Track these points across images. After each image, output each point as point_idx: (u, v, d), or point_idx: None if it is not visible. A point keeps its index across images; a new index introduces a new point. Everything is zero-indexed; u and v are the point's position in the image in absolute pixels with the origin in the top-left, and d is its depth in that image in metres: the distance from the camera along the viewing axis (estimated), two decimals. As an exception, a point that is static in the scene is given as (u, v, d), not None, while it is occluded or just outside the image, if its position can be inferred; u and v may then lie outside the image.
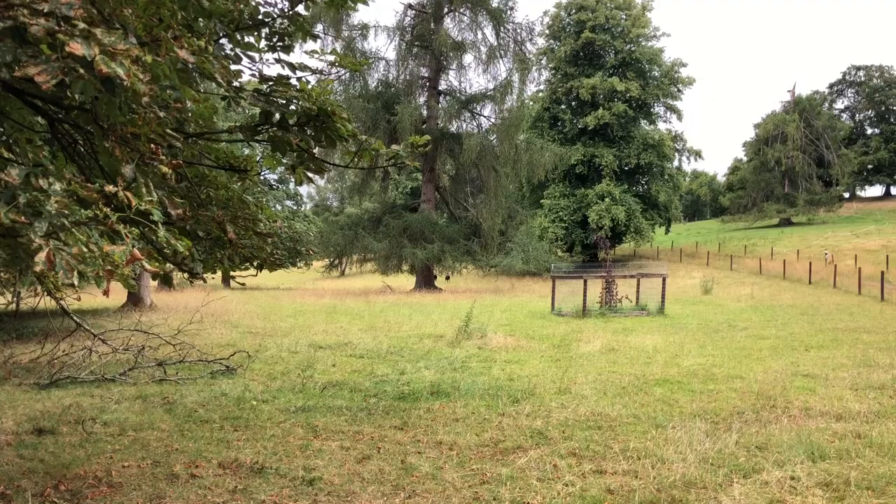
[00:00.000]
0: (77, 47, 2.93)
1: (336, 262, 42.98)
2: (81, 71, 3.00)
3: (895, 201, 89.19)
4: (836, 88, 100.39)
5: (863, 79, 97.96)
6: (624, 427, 7.52)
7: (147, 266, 3.52)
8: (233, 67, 4.77)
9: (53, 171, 3.66)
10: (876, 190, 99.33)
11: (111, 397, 9.05)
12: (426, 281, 38.08)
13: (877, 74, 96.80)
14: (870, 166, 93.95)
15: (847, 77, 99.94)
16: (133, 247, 3.45)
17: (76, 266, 3.11)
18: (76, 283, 3.14)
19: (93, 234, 3.35)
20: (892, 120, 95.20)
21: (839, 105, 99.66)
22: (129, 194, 3.59)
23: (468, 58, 38.38)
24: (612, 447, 6.72)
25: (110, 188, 3.58)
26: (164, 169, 4.28)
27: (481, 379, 10.27)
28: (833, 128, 79.24)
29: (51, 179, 3.41)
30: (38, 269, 2.94)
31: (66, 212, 3.27)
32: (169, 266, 3.62)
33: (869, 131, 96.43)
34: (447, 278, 42.65)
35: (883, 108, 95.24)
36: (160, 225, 3.75)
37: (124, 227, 3.51)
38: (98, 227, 3.46)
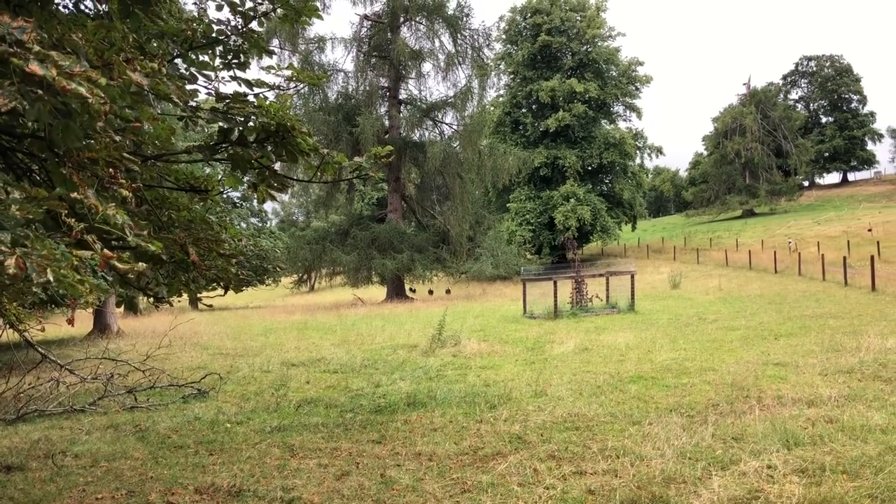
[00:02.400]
0: (36, 68, 2.87)
1: (305, 277, 42.70)
2: (40, 92, 2.94)
3: (852, 187, 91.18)
4: (789, 79, 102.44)
5: (815, 69, 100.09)
6: (601, 426, 7.54)
7: (119, 265, 3.43)
8: (188, 87, 4.71)
9: (11, 181, 3.57)
10: (833, 177, 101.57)
11: (81, 428, 8.85)
12: (397, 291, 37.99)
13: (828, 64, 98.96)
14: (826, 154, 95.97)
15: (800, 67, 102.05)
16: (101, 249, 3.38)
17: (48, 266, 3.04)
18: (51, 279, 3.05)
19: (59, 246, 3.28)
20: (844, 108, 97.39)
21: (794, 95, 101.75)
22: (94, 201, 3.51)
23: (427, 66, 38.52)
24: (590, 447, 6.73)
25: (74, 195, 3.50)
26: (125, 192, 4.20)
27: (457, 387, 10.24)
28: (789, 118, 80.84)
29: (9, 188, 3.33)
30: (10, 272, 2.87)
31: (31, 216, 3.20)
32: (140, 265, 3.52)
33: (823, 120, 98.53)
34: (430, 292, 42.67)
35: (836, 97, 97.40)
36: (128, 230, 3.66)
37: (90, 236, 3.44)
38: (64, 238, 3.39)
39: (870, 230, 47.90)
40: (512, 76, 59.32)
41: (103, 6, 4.68)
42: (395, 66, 37.45)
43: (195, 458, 7.20)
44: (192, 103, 4.54)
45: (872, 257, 24.46)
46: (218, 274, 5.65)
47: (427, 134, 39.04)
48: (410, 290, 42.95)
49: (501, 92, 59.10)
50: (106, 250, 3.28)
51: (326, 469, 6.56)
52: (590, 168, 57.27)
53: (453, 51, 37.78)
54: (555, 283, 22.16)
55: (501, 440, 7.20)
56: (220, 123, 4.54)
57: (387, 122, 37.96)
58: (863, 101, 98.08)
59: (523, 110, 59.13)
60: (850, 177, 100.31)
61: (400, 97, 38.85)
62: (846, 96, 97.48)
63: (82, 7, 5.33)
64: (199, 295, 7.74)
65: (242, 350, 16.40)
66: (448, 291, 42.70)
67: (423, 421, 8.29)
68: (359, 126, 33.99)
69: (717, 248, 51.08)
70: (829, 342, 12.59)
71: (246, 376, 12.40)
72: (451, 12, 36.95)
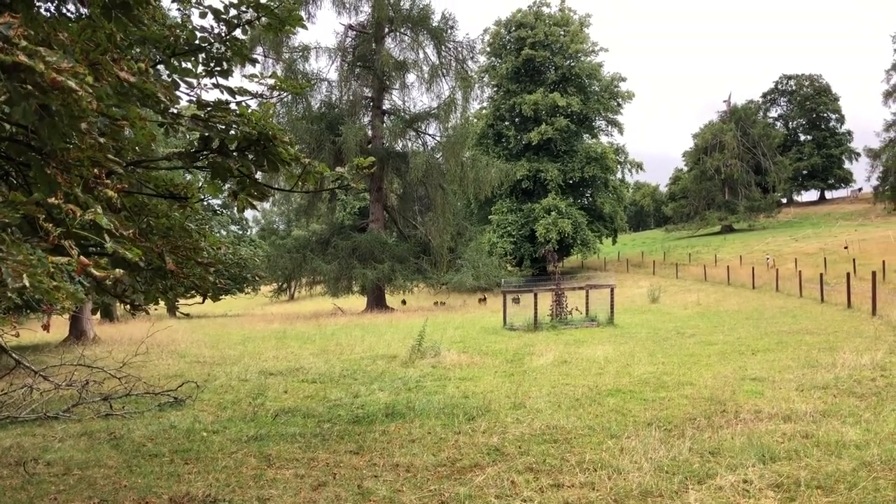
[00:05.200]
0: (24, 58, 2.85)
1: (284, 285, 42.50)
2: (29, 87, 2.91)
3: (830, 205, 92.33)
4: (769, 97, 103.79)
5: (794, 87, 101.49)
6: (579, 439, 7.55)
7: (95, 272, 3.39)
8: (173, 92, 4.68)
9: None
10: (811, 195, 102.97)
11: (54, 436, 8.72)
12: (377, 301, 37.89)
13: (807, 83, 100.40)
14: (804, 172, 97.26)
15: (779, 86, 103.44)
16: (78, 255, 3.34)
17: (24, 271, 3.00)
18: (27, 283, 3.01)
19: (35, 251, 3.24)
20: (823, 127, 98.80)
21: (773, 113, 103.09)
22: (72, 206, 3.48)
23: (411, 77, 38.61)
24: (568, 460, 6.74)
25: (52, 200, 3.46)
26: (111, 193, 4.16)
27: (436, 398, 10.21)
28: (768, 135, 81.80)
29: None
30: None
31: (7, 220, 3.16)
32: (118, 271, 3.49)
33: (802, 138, 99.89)
34: (403, 302, 42.57)
35: (814, 116, 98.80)
36: (107, 235, 3.62)
37: (67, 241, 3.40)
38: (40, 243, 3.35)
39: (846, 248, 48.47)
40: (495, 89, 59.62)
41: (85, 9, 4.65)
42: (379, 77, 37.50)
43: (170, 466, 7.12)
44: (174, 110, 4.51)
45: (848, 275, 24.75)
46: (196, 282, 5.60)
47: (410, 144, 39.11)
48: (402, 301, 42.79)
49: (485, 104, 59.40)
50: (83, 257, 3.24)
51: (303, 479, 6.51)
52: (571, 181, 57.57)
53: (437, 62, 37.92)
54: (535, 295, 22.21)
55: (479, 452, 7.19)
56: (202, 131, 4.51)
57: (370, 132, 37.96)
58: (840, 120, 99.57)
59: (506, 123, 59.40)
60: (828, 195, 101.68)
61: (384, 107, 38.89)
62: (824, 115, 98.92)
63: (64, 10, 5.29)
64: (176, 303, 7.62)
65: (220, 358, 16.27)
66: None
67: (402, 432, 8.26)
68: (342, 135, 33.97)
69: (696, 264, 51.46)
70: (805, 358, 12.71)
71: (223, 385, 12.29)
72: (435, 24, 37.10)
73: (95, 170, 3.93)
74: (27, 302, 13.27)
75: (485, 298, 39.69)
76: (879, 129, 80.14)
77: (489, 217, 56.06)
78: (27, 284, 3.01)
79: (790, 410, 8.38)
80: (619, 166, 61.68)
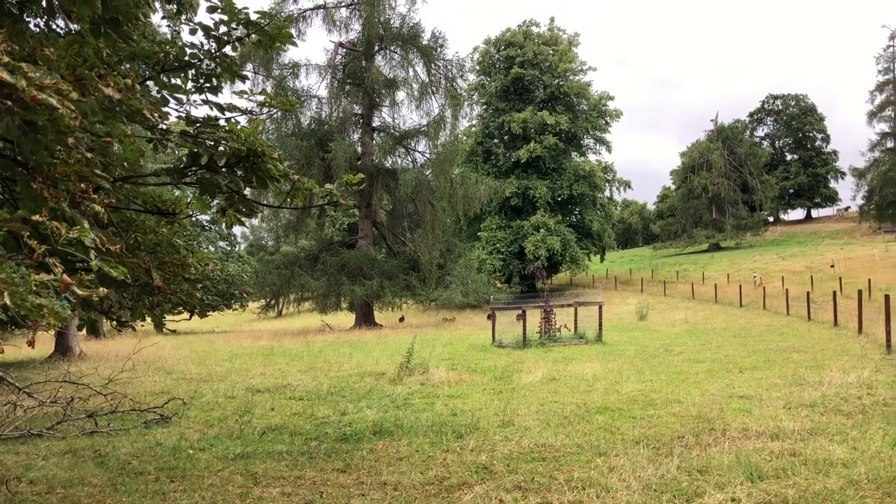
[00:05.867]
0: (5, 76, 2.83)
1: (272, 302, 42.30)
2: (9, 104, 2.90)
3: (816, 224, 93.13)
4: (755, 117, 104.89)
5: (780, 107, 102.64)
6: (568, 457, 7.53)
7: (79, 291, 3.36)
8: (161, 109, 4.68)
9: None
10: (798, 213, 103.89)
11: (38, 453, 8.61)
12: (366, 318, 37.78)
13: (793, 103, 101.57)
14: (791, 191, 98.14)
15: (766, 106, 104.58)
16: (62, 273, 3.31)
17: (5, 289, 2.97)
18: (8, 302, 2.98)
19: (19, 268, 3.21)
20: (809, 146, 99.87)
21: (760, 133, 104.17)
22: (56, 224, 3.45)
23: (401, 94, 38.77)
24: (556, 478, 6.71)
25: (36, 217, 3.43)
26: (97, 207, 4.14)
27: (424, 415, 10.16)
28: (755, 154, 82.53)
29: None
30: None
31: None
32: (102, 290, 3.46)
33: (788, 157, 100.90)
34: (401, 319, 42.42)
35: (800, 135, 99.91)
36: (93, 252, 3.60)
37: (52, 259, 3.37)
38: (25, 260, 3.32)
39: (832, 266, 48.81)
40: (485, 107, 59.99)
41: (74, 25, 4.65)
42: (368, 94, 37.63)
43: (155, 484, 7.04)
44: (163, 126, 4.51)
45: (835, 293, 24.91)
46: (183, 298, 5.57)
47: (399, 161, 39.21)
48: (400, 319, 42.62)
49: (474, 122, 59.77)
50: (65, 276, 3.22)
51: (290, 498, 6.45)
52: (560, 199, 57.82)
53: (427, 80, 38.09)
54: (524, 311, 22.21)
55: (468, 470, 7.15)
56: (190, 147, 4.51)
57: (359, 149, 38.03)
58: (826, 139, 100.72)
59: (495, 140, 59.69)
60: (814, 213, 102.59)
61: (373, 124, 38.99)
62: (810, 135, 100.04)
63: (53, 26, 5.29)
64: (163, 319, 7.57)
65: (207, 375, 16.15)
66: (401, 319, 42.44)
67: (389, 450, 8.21)
68: (331, 152, 34.00)
69: (684, 281, 51.65)
70: (792, 376, 12.74)
71: (210, 402, 12.20)
72: (425, 42, 37.31)
73: (82, 185, 3.91)
74: (12, 318, 13.16)
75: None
76: (864, 149, 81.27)
77: (478, 234, 56.17)
78: (8, 303, 2.98)
79: (778, 428, 8.39)
80: (607, 184, 62.05)
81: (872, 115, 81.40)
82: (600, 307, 22.81)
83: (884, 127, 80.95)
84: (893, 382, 11.52)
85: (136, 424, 10.25)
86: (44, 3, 4.49)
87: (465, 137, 56.78)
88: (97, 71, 3.92)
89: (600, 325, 22.18)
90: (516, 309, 24.15)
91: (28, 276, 3.17)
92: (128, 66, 5.04)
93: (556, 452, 7.74)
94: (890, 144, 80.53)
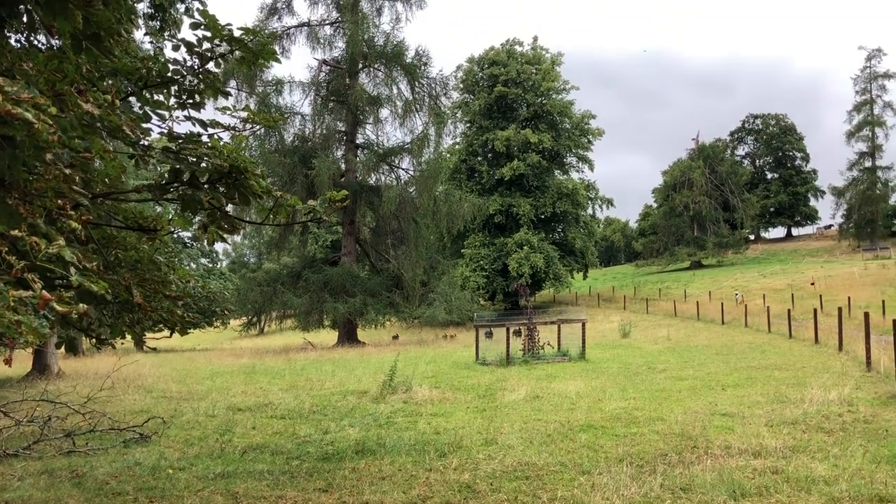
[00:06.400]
0: None
1: (254, 319, 41.99)
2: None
3: (796, 242, 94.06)
4: (736, 136, 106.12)
5: (761, 126, 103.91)
6: (551, 476, 7.50)
7: (58, 308, 3.31)
8: (142, 126, 4.65)
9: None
10: (779, 231, 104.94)
11: (13, 474, 8.46)
12: (349, 335, 37.60)
13: (773, 122, 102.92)
14: (772, 209, 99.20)
15: (746, 125, 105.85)
16: (41, 289, 3.26)
17: None
18: None
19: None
20: (789, 165, 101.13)
21: (740, 151, 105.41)
22: (35, 239, 3.41)
23: (384, 112, 38.81)
24: (540, 497, 6.68)
25: (15, 232, 3.39)
26: (74, 224, 4.10)
27: (407, 434, 10.10)
28: (736, 173, 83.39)
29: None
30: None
31: None
32: (82, 306, 3.41)
33: (769, 176, 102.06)
34: (395, 337, 42.18)
35: (780, 154, 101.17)
36: (73, 268, 3.55)
37: (31, 275, 3.32)
38: (2, 276, 3.27)
39: (812, 284, 49.25)
40: (468, 124, 60.23)
41: (56, 40, 4.62)
42: (352, 111, 37.67)
43: (133, 506, 6.93)
44: (145, 142, 4.48)
45: (815, 310, 25.10)
46: (164, 315, 5.51)
47: (383, 178, 39.18)
48: (394, 336, 42.37)
49: (458, 139, 59.92)
50: (45, 291, 3.17)
51: (270, 519, 6.37)
52: (543, 216, 58.03)
53: (411, 98, 38.19)
54: (507, 329, 22.21)
55: (451, 489, 7.10)
56: (172, 164, 4.48)
57: (343, 166, 38.01)
58: (806, 158, 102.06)
59: (479, 158, 59.88)
60: (795, 231, 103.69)
61: (357, 141, 39.01)
62: (790, 154, 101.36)
63: (35, 41, 5.26)
64: (143, 337, 7.47)
65: (187, 394, 15.97)
66: (395, 337, 42.28)
67: (372, 469, 8.14)
68: (315, 169, 33.95)
69: (666, 299, 51.88)
70: (774, 393, 12.80)
71: (190, 421, 12.06)
72: (409, 60, 37.43)
73: (59, 201, 3.86)
74: (-11, 335, 12.95)
75: (454, 336, 39.68)
76: (843, 168, 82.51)
77: (462, 251, 56.17)
78: None
79: (760, 446, 8.41)
80: (589, 202, 62.34)
81: (850, 135, 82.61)
82: (583, 325, 22.84)
83: (862, 146, 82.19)
84: (874, 400, 11.60)
85: (115, 444, 10.10)
86: (24, 18, 4.47)
87: (448, 155, 56.90)
88: (77, 86, 3.89)
89: (583, 342, 22.21)
90: (500, 326, 24.13)
91: (6, 291, 3.13)
92: (110, 81, 5.01)
93: (540, 471, 7.71)
94: (868, 164, 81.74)
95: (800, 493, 6.47)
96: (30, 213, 3.66)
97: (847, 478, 6.86)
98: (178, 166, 4.47)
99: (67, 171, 4.02)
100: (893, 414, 10.29)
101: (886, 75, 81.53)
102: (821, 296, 40.07)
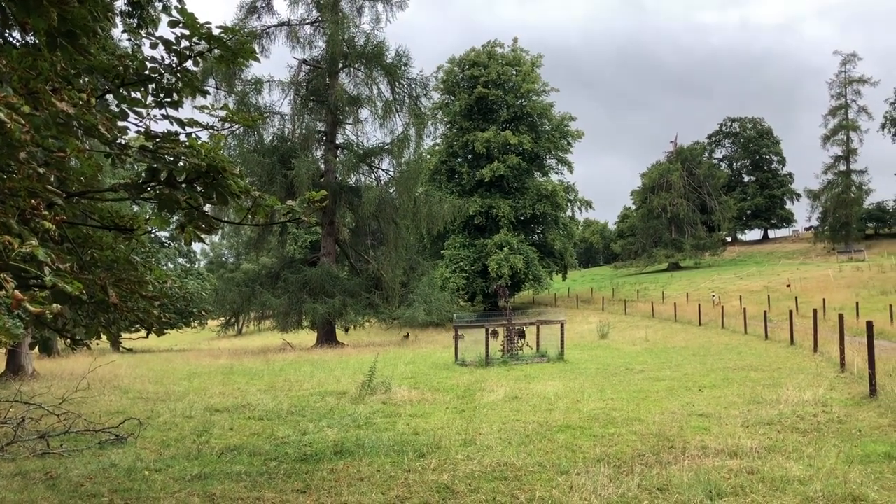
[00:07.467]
0: None
1: (232, 320, 41.67)
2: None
3: (773, 244, 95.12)
4: (714, 139, 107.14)
5: (738, 130, 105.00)
6: (529, 476, 7.52)
7: (31, 308, 3.26)
8: (119, 124, 4.60)
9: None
10: (755, 234, 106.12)
11: (-15, 476, 8.35)
12: (328, 336, 37.46)
13: (750, 126, 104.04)
14: (748, 212, 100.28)
15: (724, 128, 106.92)
16: (14, 288, 3.21)
17: None
18: None
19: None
20: (765, 168, 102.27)
21: (718, 154, 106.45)
22: (8, 238, 3.36)
23: (364, 112, 38.70)
24: (518, 497, 6.70)
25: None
26: (48, 224, 4.04)
27: (386, 435, 10.09)
28: (713, 176, 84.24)
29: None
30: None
31: None
32: (55, 306, 3.36)
33: (746, 179, 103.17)
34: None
35: (757, 157, 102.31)
36: (47, 268, 3.50)
37: (3, 275, 3.27)
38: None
39: (788, 286, 49.83)
40: (449, 126, 60.22)
41: (30, 37, 4.57)
42: (332, 111, 37.55)
43: (108, 508, 6.86)
44: (122, 140, 4.43)
45: (791, 312, 25.38)
46: (140, 316, 5.46)
47: (363, 179, 39.08)
48: (405, 336, 42.00)
49: (438, 140, 59.93)
50: (17, 291, 3.12)
51: (247, 520, 6.33)
52: (523, 218, 58.19)
53: (391, 98, 38.13)
54: (487, 330, 22.25)
55: (429, 490, 7.10)
56: (149, 162, 4.43)
57: (322, 166, 37.85)
58: (782, 162, 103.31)
59: (459, 159, 59.91)
60: (771, 234, 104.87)
61: (337, 142, 38.88)
62: (767, 157, 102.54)
63: (8, 38, 5.19)
64: (119, 337, 7.40)
65: (164, 394, 15.84)
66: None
67: (350, 470, 8.12)
68: (294, 169, 33.80)
69: (644, 300, 52.22)
70: (750, 394, 12.93)
71: (167, 422, 11.96)
72: (389, 61, 37.36)
73: (33, 201, 3.81)
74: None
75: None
76: (819, 171, 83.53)
77: (442, 252, 56.18)
78: None
79: (736, 446, 8.49)
80: (569, 204, 62.60)
81: (826, 139, 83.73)
82: (562, 326, 22.93)
83: (837, 150, 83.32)
84: (847, 400, 11.75)
85: (90, 445, 9.99)
86: (-2, 15, 4.41)
87: (429, 156, 56.88)
88: (52, 84, 3.85)
89: (562, 343, 22.29)
90: (480, 327, 24.16)
91: None
92: (86, 79, 4.96)
93: (518, 471, 7.73)
94: (843, 167, 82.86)
95: (775, 492, 6.54)
96: (2, 212, 3.61)
97: (821, 477, 6.95)
98: (155, 165, 4.43)
99: (41, 171, 3.97)
100: (867, 414, 10.43)
101: (861, 80, 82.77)
102: (796, 298, 40.53)
